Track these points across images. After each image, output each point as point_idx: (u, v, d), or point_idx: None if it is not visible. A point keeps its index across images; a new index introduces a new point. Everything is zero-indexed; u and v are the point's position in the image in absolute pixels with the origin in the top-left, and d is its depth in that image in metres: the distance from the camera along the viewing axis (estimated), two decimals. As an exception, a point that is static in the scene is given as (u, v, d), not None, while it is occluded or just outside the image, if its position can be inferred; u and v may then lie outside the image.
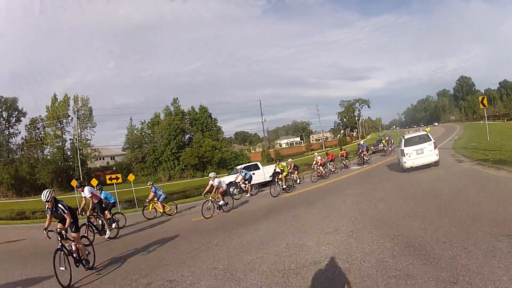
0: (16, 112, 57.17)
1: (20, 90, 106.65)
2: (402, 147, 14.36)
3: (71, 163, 51.75)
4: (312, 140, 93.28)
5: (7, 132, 56.87)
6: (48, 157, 53.12)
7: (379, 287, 3.74)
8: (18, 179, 48.95)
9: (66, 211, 6.61)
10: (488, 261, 3.82)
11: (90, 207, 10.41)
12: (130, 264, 6.90)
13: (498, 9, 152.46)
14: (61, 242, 6.39)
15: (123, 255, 7.68)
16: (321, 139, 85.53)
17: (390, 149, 29.34)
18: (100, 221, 10.66)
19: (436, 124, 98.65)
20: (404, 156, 14.03)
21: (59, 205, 6.66)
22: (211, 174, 13.31)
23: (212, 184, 12.85)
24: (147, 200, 14.57)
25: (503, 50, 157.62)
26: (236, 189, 17.52)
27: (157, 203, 14.08)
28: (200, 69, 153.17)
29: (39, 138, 56.04)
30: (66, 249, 6.44)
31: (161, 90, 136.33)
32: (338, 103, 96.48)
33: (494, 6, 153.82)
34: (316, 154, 21.06)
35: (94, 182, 25.56)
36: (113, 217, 11.42)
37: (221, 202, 12.92)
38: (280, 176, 15.90)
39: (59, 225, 6.73)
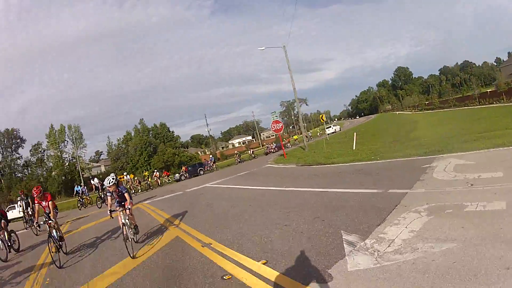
0: (18, 140, 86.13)
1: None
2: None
3: (69, 177, 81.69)
4: (263, 137, 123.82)
5: (10, 158, 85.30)
6: (53, 173, 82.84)
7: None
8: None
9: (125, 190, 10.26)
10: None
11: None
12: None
13: None
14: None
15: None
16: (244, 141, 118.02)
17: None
18: None
19: (358, 117, 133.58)
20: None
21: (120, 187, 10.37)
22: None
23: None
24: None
25: (454, 33, 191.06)
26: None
27: None
28: (152, 74, 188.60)
29: (41, 160, 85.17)
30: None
31: (115, 99, 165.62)
32: (292, 96, 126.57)
33: None
34: (154, 170, 44.26)
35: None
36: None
37: None
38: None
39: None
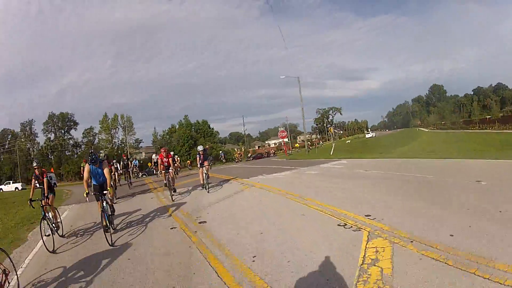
0: (72, 123, 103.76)
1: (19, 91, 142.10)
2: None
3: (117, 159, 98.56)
4: (299, 141, 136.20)
5: (62, 138, 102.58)
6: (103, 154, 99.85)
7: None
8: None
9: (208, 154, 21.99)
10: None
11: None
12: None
13: (495, 11, 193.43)
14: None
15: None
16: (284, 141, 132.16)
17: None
18: None
19: (387, 130, 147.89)
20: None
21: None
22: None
23: None
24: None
25: (500, 52, 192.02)
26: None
27: None
28: (196, 70, 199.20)
29: (92, 142, 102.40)
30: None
31: (157, 90, 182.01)
32: (334, 103, 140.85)
33: (491, 8, 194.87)
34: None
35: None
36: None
37: None
38: None
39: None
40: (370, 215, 8.14)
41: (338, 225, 7.80)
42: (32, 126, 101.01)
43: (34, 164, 10.84)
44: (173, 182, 15.67)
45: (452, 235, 6.12)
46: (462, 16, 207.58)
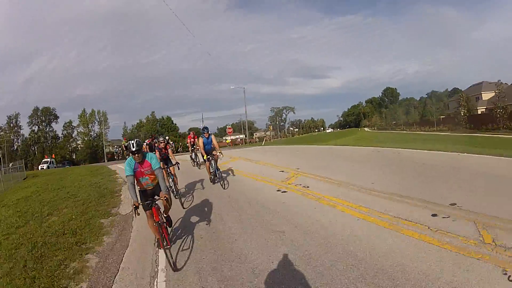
0: (53, 117, 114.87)
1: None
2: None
3: (94, 150, 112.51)
4: (255, 137, 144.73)
5: (45, 131, 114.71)
6: (82, 146, 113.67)
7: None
8: (62, 157, 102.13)
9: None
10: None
11: None
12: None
13: (467, 17, 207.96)
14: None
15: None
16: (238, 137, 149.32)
17: None
18: None
19: (338, 129, 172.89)
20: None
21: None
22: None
23: None
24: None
25: (467, 58, 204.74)
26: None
27: None
28: (160, 62, 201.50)
29: (70, 135, 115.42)
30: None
31: (120, 81, 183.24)
32: (294, 100, 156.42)
33: (463, 14, 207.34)
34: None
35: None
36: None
37: None
38: None
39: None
40: (242, 156, 26.17)
41: (229, 157, 25.23)
42: (18, 119, 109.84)
43: (161, 139, 12.77)
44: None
45: (259, 159, 24.16)
46: (432, 19, 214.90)
